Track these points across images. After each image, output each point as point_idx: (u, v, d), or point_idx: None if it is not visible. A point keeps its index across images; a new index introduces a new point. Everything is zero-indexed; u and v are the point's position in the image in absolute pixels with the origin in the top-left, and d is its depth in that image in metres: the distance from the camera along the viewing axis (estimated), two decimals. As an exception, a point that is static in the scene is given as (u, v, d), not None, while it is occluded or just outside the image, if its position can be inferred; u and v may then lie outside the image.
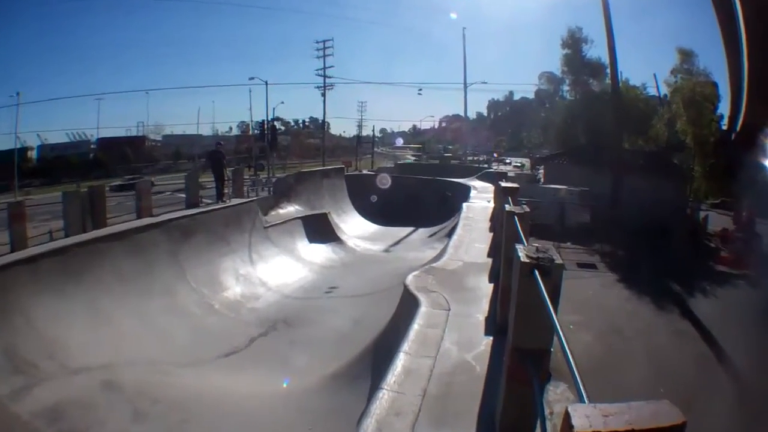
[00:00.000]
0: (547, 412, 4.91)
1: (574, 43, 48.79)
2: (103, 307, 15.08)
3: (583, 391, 3.03)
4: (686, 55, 44.14)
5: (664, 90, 49.30)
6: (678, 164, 42.20)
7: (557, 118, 53.99)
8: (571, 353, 3.36)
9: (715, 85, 42.46)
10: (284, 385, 12.69)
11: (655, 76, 62.00)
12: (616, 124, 38.13)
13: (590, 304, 18.73)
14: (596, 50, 49.47)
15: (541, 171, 48.98)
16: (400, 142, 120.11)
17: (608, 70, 42.30)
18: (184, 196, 23.88)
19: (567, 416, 2.45)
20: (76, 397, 11.40)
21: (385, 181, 42.04)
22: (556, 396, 5.70)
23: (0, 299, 12.96)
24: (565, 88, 55.35)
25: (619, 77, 40.92)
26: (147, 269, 17.39)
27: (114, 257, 16.72)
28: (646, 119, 45.68)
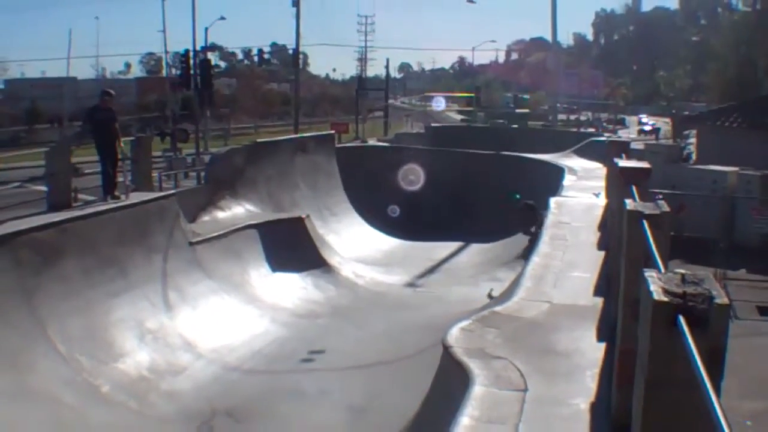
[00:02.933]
0: None
1: None
2: None
3: None
4: None
5: None
6: None
7: (720, 46, 53.33)
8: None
9: None
10: None
11: None
12: None
13: None
14: None
15: (692, 140, 47.81)
16: (441, 104, 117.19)
17: None
18: (44, 189, 23.74)
19: None
20: None
21: (413, 178, 40.44)
22: None
23: None
24: None
25: None
26: None
27: None
28: None
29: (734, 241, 26.79)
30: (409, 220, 35.60)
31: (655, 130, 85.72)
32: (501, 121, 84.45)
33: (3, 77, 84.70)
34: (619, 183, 12.38)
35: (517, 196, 21.51)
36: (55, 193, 22.41)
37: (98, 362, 17.72)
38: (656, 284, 4.59)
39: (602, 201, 21.73)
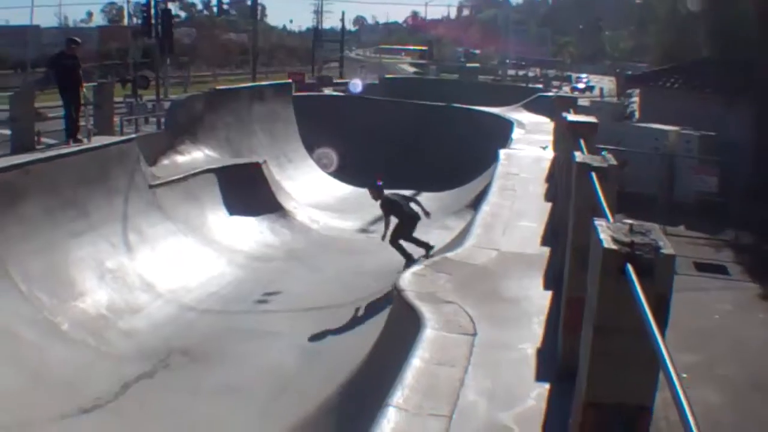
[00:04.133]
0: None
1: None
2: None
3: None
4: None
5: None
6: None
7: (663, 9, 53.48)
8: (693, 415, 2.92)
9: None
10: None
11: None
12: (765, 24, 36.72)
13: (717, 335, 17.48)
14: None
15: (635, 99, 47.56)
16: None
17: None
18: (7, 132, 23.28)
19: None
20: None
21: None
22: None
23: None
24: None
25: None
26: None
27: None
28: None
29: (674, 198, 26.56)
30: (362, 168, 34.34)
31: (588, 88, 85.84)
32: (453, 75, 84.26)
33: None
34: (567, 137, 12.62)
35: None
36: (19, 136, 22.14)
37: (58, 300, 17.55)
38: (606, 233, 4.66)
39: (550, 154, 21.83)
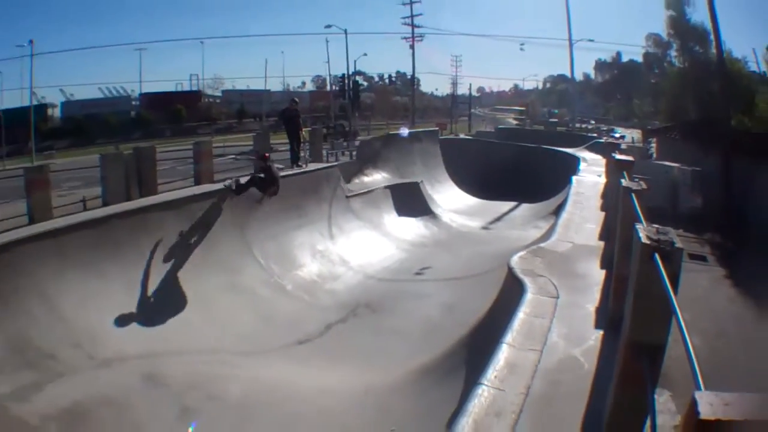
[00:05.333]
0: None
1: (676, 3, 47.74)
2: (149, 287, 14.42)
3: (701, 382, 3.16)
4: None
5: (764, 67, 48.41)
6: None
7: (667, 86, 52.95)
8: (693, 346, 3.46)
9: None
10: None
11: (754, 51, 58.93)
12: (723, 99, 36.26)
13: (699, 301, 17.38)
14: (699, 14, 48.06)
15: (653, 145, 47.10)
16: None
17: (712, 37, 40.75)
18: (252, 158, 23.17)
19: (693, 403, 2.61)
20: (106, 394, 10.55)
21: (486, 158, 40.69)
22: (658, 405, 5.31)
23: (10, 282, 11.94)
24: (673, 53, 54.41)
25: (723, 47, 39.17)
26: (206, 243, 16.66)
27: (165, 229, 15.93)
28: (751, 97, 43.69)
29: (677, 211, 27.10)
30: (483, 187, 35.37)
31: (621, 137, 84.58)
32: (540, 126, 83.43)
33: (221, 88, 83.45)
34: (614, 169, 12.99)
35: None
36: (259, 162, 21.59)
37: (285, 270, 18.03)
38: (642, 233, 5.00)
39: (603, 180, 21.42)
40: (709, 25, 40.77)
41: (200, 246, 16.48)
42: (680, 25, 47.44)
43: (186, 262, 15.69)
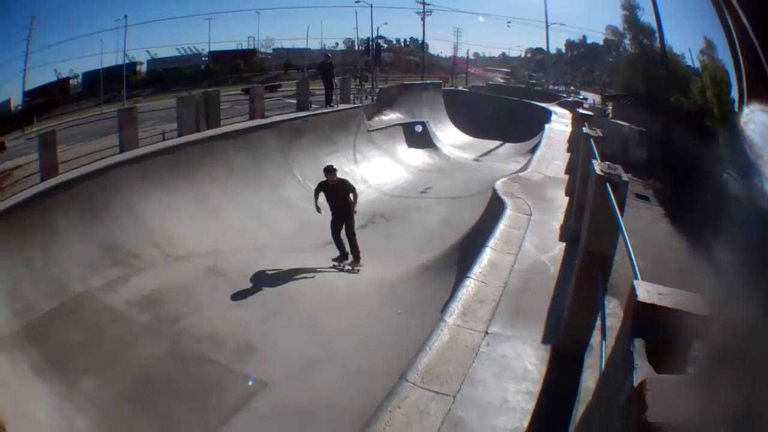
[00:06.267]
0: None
1: (628, 5, 47.81)
2: (213, 199, 14.68)
3: (639, 275, 3.23)
4: (710, 46, 43.21)
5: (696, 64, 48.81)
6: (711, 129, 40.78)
7: (621, 65, 53.12)
8: (635, 256, 3.54)
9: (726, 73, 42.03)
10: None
11: (690, 50, 58.20)
12: (665, 81, 36.73)
13: (642, 233, 17.07)
14: (648, 17, 48.31)
15: (609, 107, 46.96)
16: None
17: (657, 35, 41.29)
18: (294, 101, 23.14)
19: (632, 289, 2.59)
20: (177, 283, 10.76)
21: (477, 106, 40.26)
22: (608, 310, 5.30)
23: (103, 199, 12.46)
24: (626, 42, 54.09)
25: (666, 44, 40.01)
26: (257, 165, 16.85)
27: (226, 154, 16.28)
28: (686, 84, 44.18)
29: (626, 160, 26.16)
30: (475, 128, 34.52)
31: (584, 99, 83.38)
32: (522, 85, 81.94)
33: (272, 47, 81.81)
34: (578, 120, 13.10)
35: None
36: (301, 103, 22.08)
37: None
38: (597, 167, 5.25)
39: (569, 128, 21.13)
40: (654, 25, 41.83)
41: (253, 167, 16.58)
42: (632, 22, 47.74)
43: (242, 180, 15.88)
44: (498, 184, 12.33)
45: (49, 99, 22.76)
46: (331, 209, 12.66)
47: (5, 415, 6.11)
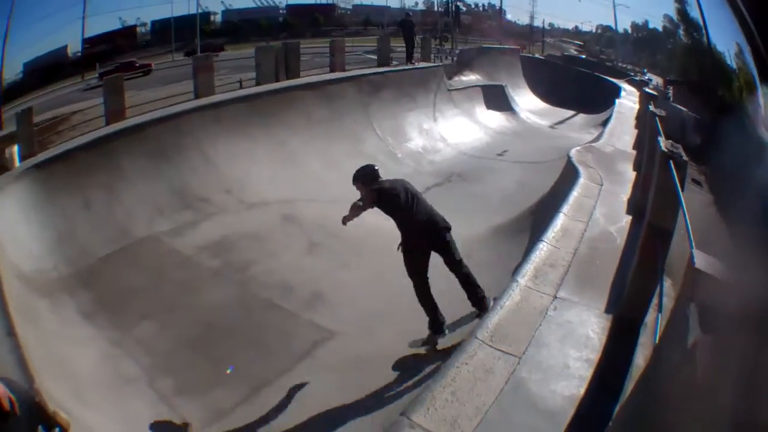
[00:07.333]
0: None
1: (680, 1, 45.47)
2: (290, 148, 14.14)
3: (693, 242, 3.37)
4: (741, 50, 40.95)
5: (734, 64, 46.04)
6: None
7: (678, 53, 51.17)
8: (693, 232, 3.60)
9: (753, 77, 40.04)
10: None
11: (728, 51, 55.18)
12: (713, 75, 34.82)
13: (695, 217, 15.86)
14: (695, 12, 46.11)
15: (671, 90, 44.84)
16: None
17: (703, 31, 38.97)
18: (374, 57, 22.51)
19: (691, 256, 2.85)
20: (249, 230, 10.30)
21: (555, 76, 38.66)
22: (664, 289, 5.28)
23: (175, 142, 12.06)
24: (681, 32, 51.65)
25: (711, 42, 37.76)
26: (336, 117, 16.24)
27: (305, 104, 15.71)
28: (730, 81, 41.84)
29: (684, 143, 25.04)
30: (551, 96, 33.37)
31: (649, 80, 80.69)
32: (593, 59, 79.97)
33: (351, 2, 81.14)
34: (645, 99, 13.60)
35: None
36: (381, 58, 21.52)
37: (397, 142, 17.18)
38: (663, 144, 5.28)
39: (636, 105, 20.36)
40: (700, 21, 39.75)
41: (333, 119, 16.06)
42: (683, 15, 45.48)
43: (321, 131, 15.34)
44: (573, 153, 12.00)
45: (113, 46, 22.01)
46: (410, 222, 6.85)
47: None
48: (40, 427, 2.81)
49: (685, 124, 26.28)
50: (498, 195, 14.16)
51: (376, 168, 7.36)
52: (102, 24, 21.24)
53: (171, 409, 6.16)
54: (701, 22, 36.99)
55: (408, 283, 6.75)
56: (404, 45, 22.99)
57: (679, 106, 29.81)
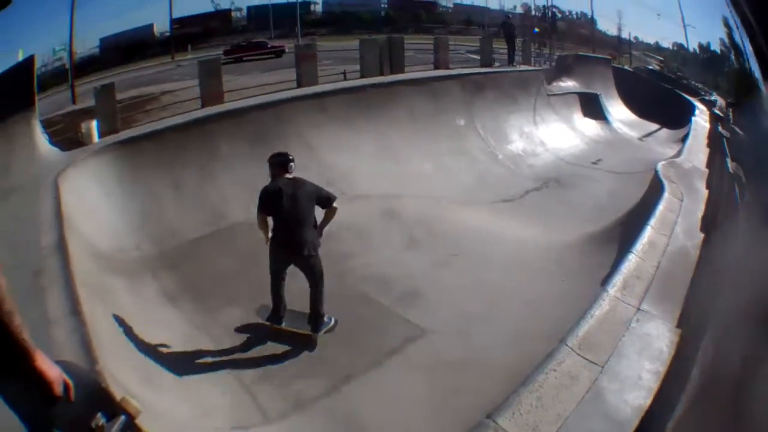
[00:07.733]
0: None
1: (728, 25, 43.18)
2: (393, 142, 14.00)
3: None
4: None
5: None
6: None
7: (732, 77, 49.06)
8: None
9: None
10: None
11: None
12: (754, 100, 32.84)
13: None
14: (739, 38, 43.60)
15: (731, 112, 42.58)
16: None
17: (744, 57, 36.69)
18: (476, 57, 22.17)
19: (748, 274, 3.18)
20: (350, 222, 9.91)
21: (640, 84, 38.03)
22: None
23: (277, 129, 12.00)
24: (732, 57, 49.11)
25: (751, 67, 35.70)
26: (439, 114, 15.94)
27: (409, 99, 15.42)
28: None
29: (741, 164, 24.21)
30: (639, 107, 32.07)
31: (715, 101, 78.70)
32: (671, 75, 78.35)
33: (452, 1, 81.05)
34: (714, 120, 14.84)
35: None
36: (484, 58, 21.31)
37: (498, 143, 16.93)
38: (731, 166, 6.16)
39: (707, 125, 21.30)
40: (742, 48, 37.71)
41: (436, 116, 15.81)
42: (731, 41, 42.95)
43: (424, 127, 15.11)
44: (659, 167, 11.74)
45: (206, 28, 21.81)
46: (279, 227, 6.78)
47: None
48: (99, 414, 2.53)
49: (742, 146, 25.21)
50: (590, 203, 13.95)
51: (291, 158, 7.22)
52: (191, 5, 20.78)
53: (252, 397, 5.99)
54: (742, 47, 35.41)
55: (506, 287, 7.36)
56: (505, 47, 22.72)
57: (736, 128, 28.65)
